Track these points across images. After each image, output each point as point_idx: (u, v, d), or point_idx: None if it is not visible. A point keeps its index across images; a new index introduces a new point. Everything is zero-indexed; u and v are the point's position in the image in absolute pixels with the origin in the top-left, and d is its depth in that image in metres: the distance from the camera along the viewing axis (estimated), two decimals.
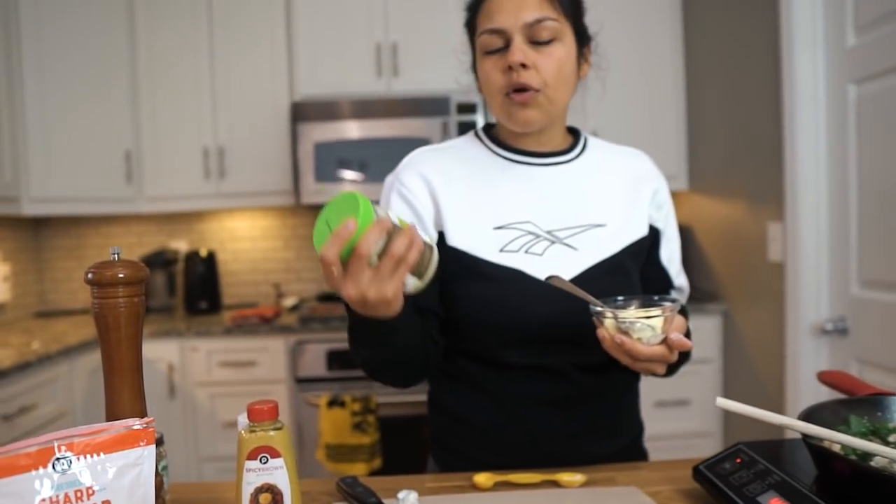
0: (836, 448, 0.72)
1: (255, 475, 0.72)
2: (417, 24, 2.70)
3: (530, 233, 0.97)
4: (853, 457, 0.71)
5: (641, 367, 0.84)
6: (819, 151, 1.96)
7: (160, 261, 2.95)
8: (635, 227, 1.02)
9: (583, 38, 0.98)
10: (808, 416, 0.76)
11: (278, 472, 0.73)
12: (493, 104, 0.97)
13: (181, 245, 3.13)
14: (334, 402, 2.35)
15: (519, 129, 0.97)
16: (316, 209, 2.89)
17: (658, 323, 0.81)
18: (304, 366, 2.47)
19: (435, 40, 2.68)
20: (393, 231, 0.72)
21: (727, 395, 2.56)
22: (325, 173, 2.64)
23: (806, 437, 0.72)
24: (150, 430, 0.63)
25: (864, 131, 1.79)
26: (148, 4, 2.75)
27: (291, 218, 3.15)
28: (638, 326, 0.80)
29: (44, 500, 0.56)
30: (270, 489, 0.73)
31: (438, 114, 2.61)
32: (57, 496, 0.57)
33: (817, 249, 1.99)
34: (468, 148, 1.05)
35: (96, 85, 2.67)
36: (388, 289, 0.73)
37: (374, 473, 2.36)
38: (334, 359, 2.46)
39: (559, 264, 0.96)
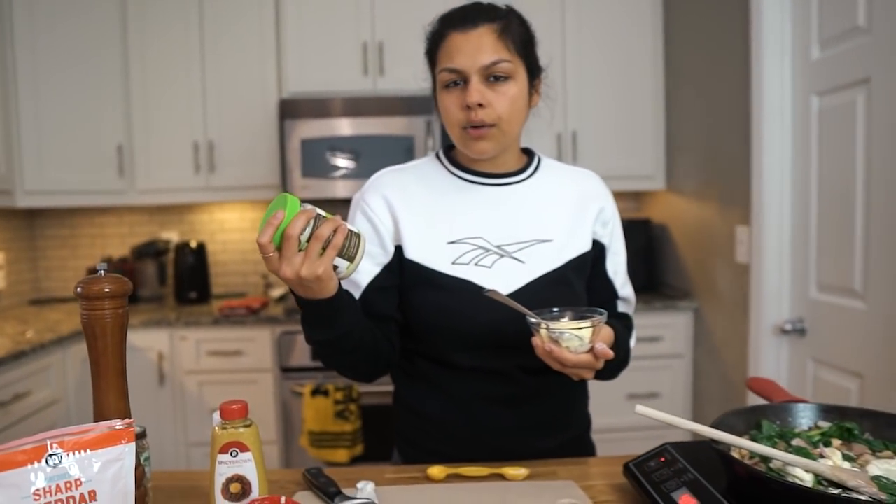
0: (745, 453, 0.81)
1: (227, 467, 0.82)
2: (403, 23, 2.77)
3: (481, 247, 1.07)
4: (756, 459, 0.80)
5: (570, 373, 0.93)
6: (784, 159, 2.04)
7: (151, 251, 3.02)
8: (579, 243, 1.11)
9: (534, 72, 1.07)
10: (719, 422, 0.85)
11: (247, 465, 0.83)
12: (452, 133, 1.07)
13: (172, 236, 3.20)
14: (318, 391, 2.44)
15: (475, 156, 1.07)
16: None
17: (586, 334, 0.90)
18: (289, 356, 2.56)
19: (420, 40, 2.72)
20: (318, 219, 0.86)
21: (696, 389, 2.67)
22: (312, 169, 2.71)
23: (713, 442, 0.81)
24: (131, 429, 0.72)
25: (825, 142, 1.87)
26: (140, 1, 2.80)
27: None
28: (567, 336, 0.89)
29: (38, 490, 0.66)
30: (240, 479, 0.83)
31: (423, 113, 2.68)
32: (49, 487, 0.66)
33: (780, 253, 2.07)
34: (429, 169, 1.14)
35: (89, 82, 2.74)
36: (319, 267, 0.84)
37: (355, 459, 2.47)
38: None
39: (507, 276, 1.06)
